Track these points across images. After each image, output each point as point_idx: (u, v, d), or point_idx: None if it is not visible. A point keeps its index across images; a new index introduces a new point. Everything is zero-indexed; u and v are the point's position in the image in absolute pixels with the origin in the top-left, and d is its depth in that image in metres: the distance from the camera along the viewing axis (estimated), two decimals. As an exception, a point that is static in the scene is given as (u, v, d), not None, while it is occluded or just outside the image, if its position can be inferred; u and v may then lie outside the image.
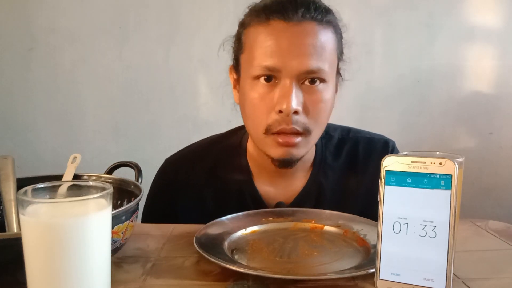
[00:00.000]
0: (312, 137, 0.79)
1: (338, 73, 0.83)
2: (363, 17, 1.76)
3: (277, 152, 0.78)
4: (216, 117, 1.76)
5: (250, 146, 0.90)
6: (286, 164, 0.80)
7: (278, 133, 0.76)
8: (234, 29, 0.86)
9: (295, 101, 0.74)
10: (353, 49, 0.85)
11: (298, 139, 0.77)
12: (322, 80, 0.76)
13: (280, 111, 0.74)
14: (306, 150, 0.81)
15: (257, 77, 0.76)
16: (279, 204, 0.87)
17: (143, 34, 1.76)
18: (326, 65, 0.76)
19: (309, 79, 0.75)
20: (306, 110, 0.76)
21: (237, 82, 0.85)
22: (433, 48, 1.78)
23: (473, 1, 1.79)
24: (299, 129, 0.76)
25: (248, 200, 0.88)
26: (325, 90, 0.78)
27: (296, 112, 0.74)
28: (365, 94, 1.79)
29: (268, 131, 0.77)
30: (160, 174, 0.95)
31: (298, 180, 0.89)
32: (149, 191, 0.94)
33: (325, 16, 0.77)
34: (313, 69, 0.74)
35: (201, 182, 0.90)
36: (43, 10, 1.74)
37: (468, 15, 1.78)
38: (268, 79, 0.76)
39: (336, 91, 0.84)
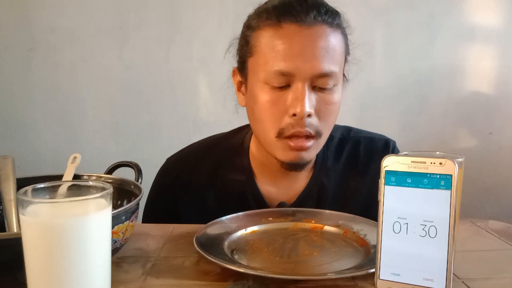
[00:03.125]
0: (322, 139, 0.79)
1: (343, 75, 0.83)
2: (363, 17, 1.76)
3: (288, 156, 0.78)
4: (216, 117, 1.76)
5: (253, 147, 0.90)
6: (295, 167, 0.80)
7: (291, 136, 0.76)
8: (234, 29, 0.85)
9: (309, 104, 0.74)
10: (355, 51, 0.85)
11: (310, 142, 0.77)
12: (333, 83, 0.76)
13: (294, 114, 0.74)
14: (316, 152, 0.81)
15: (269, 82, 0.76)
16: (281, 205, 0.87)
17: (143, 34, 1.76)
18: (337, 68, 0.76)
19: (321, 82, 0.75)
20: (318, 112, 0.76)
21: (241, 84, 0.85)
22: (433, 48, 1.78)
23: (473, 1, 1.79)
24: (312, 132, 0.76)
25: (250, 200, 0.88)
26: (336, 92, 0.78)
27: (309, 115, 0.75)
28: (365, 94, 1.79)
29: (280, 135, 0.77)
30: (161, 173, 0.95)
31: (300, 180, 0.89)
32: (150, 190, 0.94)
33: (335, 19, 0.77)
34: (326, 72, 0.74)
35: (203, 182, 0.90)
36: (43, 10, 1.74)
37: (468, 15, 1.78)
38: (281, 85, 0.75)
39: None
